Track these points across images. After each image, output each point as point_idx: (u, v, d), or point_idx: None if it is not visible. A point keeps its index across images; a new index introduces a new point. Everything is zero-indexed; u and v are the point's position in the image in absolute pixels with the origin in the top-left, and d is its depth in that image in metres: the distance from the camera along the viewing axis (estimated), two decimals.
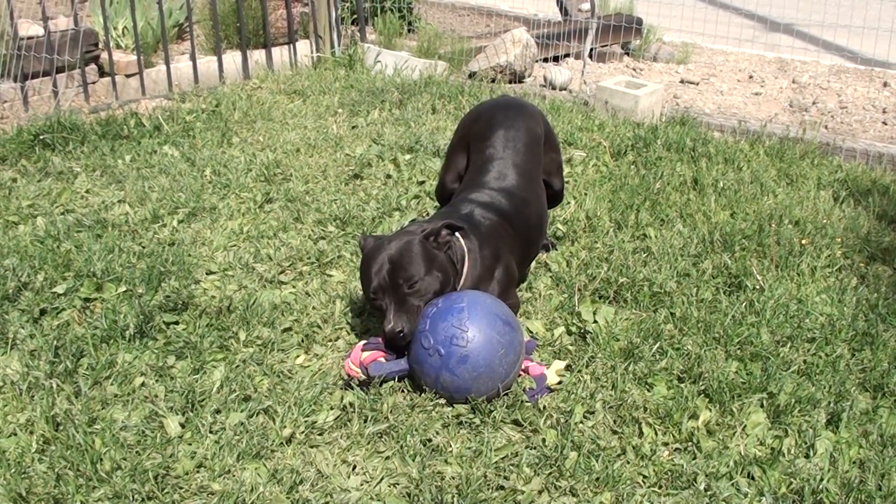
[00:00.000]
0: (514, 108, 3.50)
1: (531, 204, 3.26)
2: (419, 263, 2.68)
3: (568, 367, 2.78)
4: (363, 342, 2.71)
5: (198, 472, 2.31)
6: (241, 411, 2.53)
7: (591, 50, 7.13)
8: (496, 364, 2.51)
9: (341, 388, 2.65)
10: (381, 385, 2.63)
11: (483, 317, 2.54)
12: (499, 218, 3.07)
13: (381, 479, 2.30)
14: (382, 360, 2.65)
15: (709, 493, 2.24)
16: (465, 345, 2.50)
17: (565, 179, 4.34)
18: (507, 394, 2.61)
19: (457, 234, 2.86)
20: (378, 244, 2.76)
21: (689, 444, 2.44)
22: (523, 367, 2.70)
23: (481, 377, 2.50)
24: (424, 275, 2.68)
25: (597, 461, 2.33)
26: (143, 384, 2.68)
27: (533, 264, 3.40)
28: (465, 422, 2.51)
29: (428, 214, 3.87)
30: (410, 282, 2.65)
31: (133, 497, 2.20)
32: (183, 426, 2.48)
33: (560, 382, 2.70)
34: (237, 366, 2.78)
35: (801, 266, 3.41)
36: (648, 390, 2.66)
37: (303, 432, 2.46)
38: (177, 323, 3.03)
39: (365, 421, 2.50)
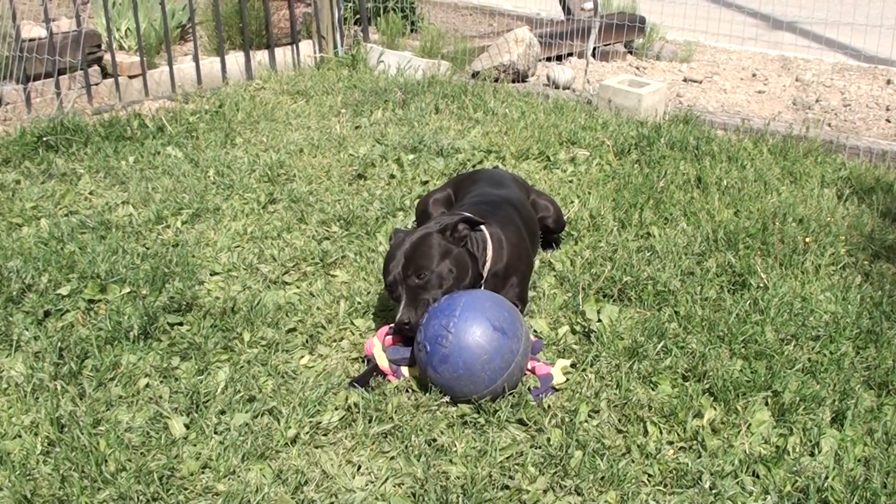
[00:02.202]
0: (495, 170, 3.89)
1: (527, 206, 3.42)
2: (430, 257, 2.77)
3: (573, 365, 2.78)
4: (390, 326, 2.83)
5: (203, 472, 2.31)
6: (246, 412, 2.54)
7: (595, 49, 7.12)
8: (477, 369, 2.50)
9: (346, 389, 2.66)
10: (384, 380, 2.64)
11: (473, 321, 2.54)
12: (510, 206, 3.23)
13: (386, 479, 2.30)
14: (400, 345, 2.76)
15: (714, 491, 2.24)
16: (447, 346, 2.51)
17: (569, 179, 4.35)
18: (511, 393, 2.62)
19: (481, 227, 2.95)
20: (401, 239, 2.87)
21: (694, 442, 2.44)
22: (529, 366, 2.70)
23: (461, 379, 2.51)
24: (435, 268, 2.76)
25: (602, 460, 2.33)
26: (147, 385, 2.68)
27: (537, 263, 3.40)
28: (470, 421, 2.51)
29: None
30: (419, 274, 2.75)
31: (138, 498, 2.20)
32: (188, 427, 2.48)
33: (567, 380, 2.70)
34: (242, 366, 2.78)
35: (805, 264, 3.41)
36: (653, 389, 2.66)
37: (307, 433, 2.46)
38: (181, 324, 3.03)
39: (370, 421, 2.50)
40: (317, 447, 2.42)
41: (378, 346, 2.75)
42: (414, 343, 2.66)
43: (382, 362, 2.72)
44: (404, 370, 2.71)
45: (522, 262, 3.09)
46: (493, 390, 2.54)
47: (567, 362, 2.78)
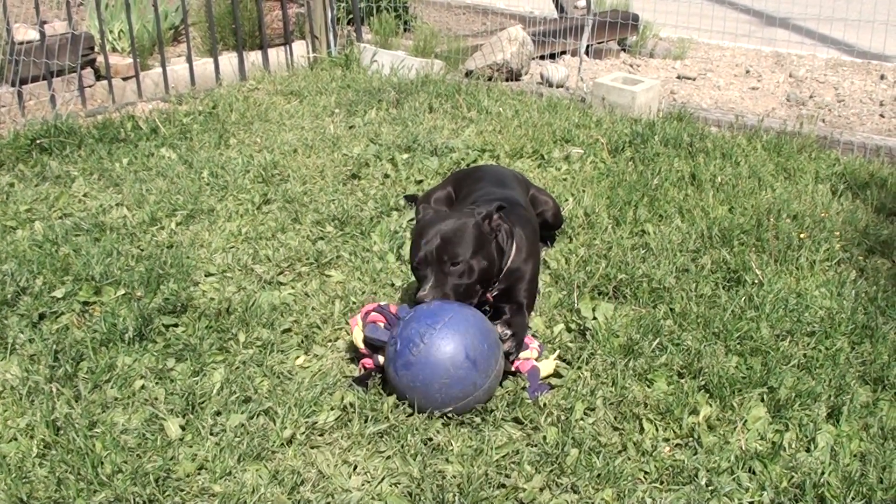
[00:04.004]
0: (496, 167, 3.87)
1: (529, 205, 3.42)
2: (468, 245, 2.74)
3: (560, 358, 2.79)
4: (378, 304, 2.78)
5: (199, 474, 2.31)
6: (242, 413, 2.53)
7: (588, 47, 7.12)
8: (433, 389, 2.46)
9: (346, 388, 2.65)
10: (379, 380, 2.64)
11: (449, 340, 2.48)
12: (521, 207, 3.24)
13: (383, 478, 2.30)
14: (382, 325, 2.71)
15: (710, 488, 2.24)
16: (415, 355, 2.48)
17: (563, 177, 4.35)
18: (507, 392, 2.61)
19: (505, 222, 2.94)
20: (434, 217, 2.84)
21: (690, 439, 2.44)
22: (513, 368, 2.69)
23: (416, 391, 2.49)
24: (470, 257, 2.73)
25: (598, 458, 2.33)
26: (142, 387, 2.68)
27: None
28: (466, 420, 2.51)
29: None
30: (454, 259, 2.71)
31: (134, 500, 2.20)
32: (183, 428, 2.48)
33: (560, 376, 2.70)
34: (237, 367, 2.78)
35: (799, 260, 3.41)
36: (649, 386, 2.66)
37: (303, 433, 2.46)
38: (176, 325, 3.03)
39: (365, 421, 2.50)
40: (313, 447, 2.42)
41: (359, 325, 2.73)
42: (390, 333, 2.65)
43: (358, 339, 2.71)
44: (380, 358, 2.69)
45: (536, 261, 3.08)
46: (442, 411, 2.51)
47: (553, 355, 2.78)
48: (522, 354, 2.74)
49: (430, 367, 2.46)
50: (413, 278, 3.27)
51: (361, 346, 2.72)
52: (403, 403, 2.55)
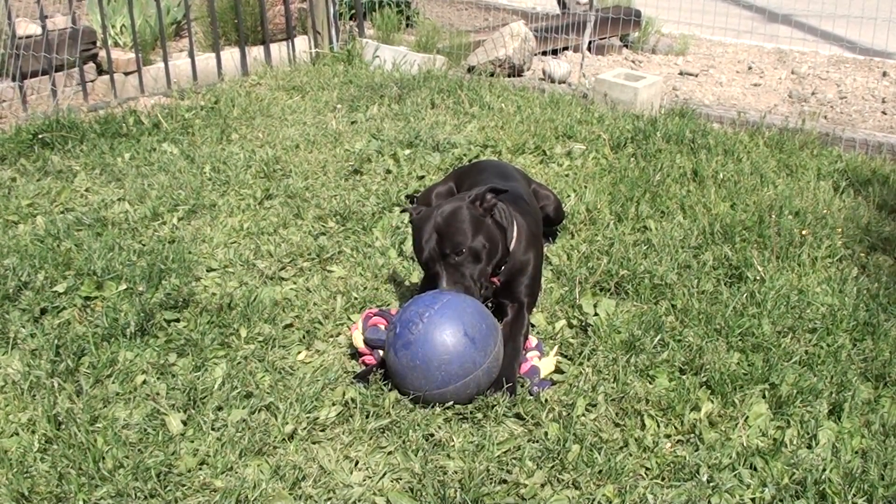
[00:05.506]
0: (498, 161, 3.93)
1: (533, 199, 3.42)
2: (465, 231, 2.75)
3: (562, 354, 2.80)
4: (378, 308, 2.83)
5: (200, 469, 2.31)
6: (243, 408, 2.53)
7: (590, 42, 7.11)
8: (433, 366, 2.47)
9: (347, 384, 2.65)
10: (382, 378, 2.64)
11: (447, 319, 2.51)
12: (524, 202, 3.24)
13: (384, 474, 2.30)
14: (382, 328, 2.75)
15: (711, 484, 2.24)
16: (414, 333, 2.51)
17: (565, 173, 4.35)
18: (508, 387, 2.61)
19: (502, 201, 2.95)
20: (427, 213, 2.84)
21: (692, 435, 2.44)
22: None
23: (416, 370, 2.50)
24: (471, 242, 2.74)
25: (599, 454, 2.33)
26: (144, 382, 2.68)
27: None
28: (468, 416, 2.51)
29: None
30: (457, 249, 2.73)
31: (135, 495, 2.20)
32: (185, 424, 2.48)
33: (562, 372, 2.70)
34: (238, 363, 2.78)
35: (801, 256, 3.41)
36: (650, 382, 2.66)
37: (305, 428, 2.46)
38: (178, 320, 3.03)
39: (367, 416, 2.50)
40: (314, 443, 2.42)
41: (360, 329, 2.76)
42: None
43: (358, 341, 2.74)
44: (380, 352, 2.71)
45: (538, 254, 3.08)
46: (441, 394, 2.51)
47: (552, 350, 2.79)
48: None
49: (430, 343, 2.49)
50: (416, 276, 3.28)
51: (361, 346, 2.73)
52: (405, 399, 2.56)
